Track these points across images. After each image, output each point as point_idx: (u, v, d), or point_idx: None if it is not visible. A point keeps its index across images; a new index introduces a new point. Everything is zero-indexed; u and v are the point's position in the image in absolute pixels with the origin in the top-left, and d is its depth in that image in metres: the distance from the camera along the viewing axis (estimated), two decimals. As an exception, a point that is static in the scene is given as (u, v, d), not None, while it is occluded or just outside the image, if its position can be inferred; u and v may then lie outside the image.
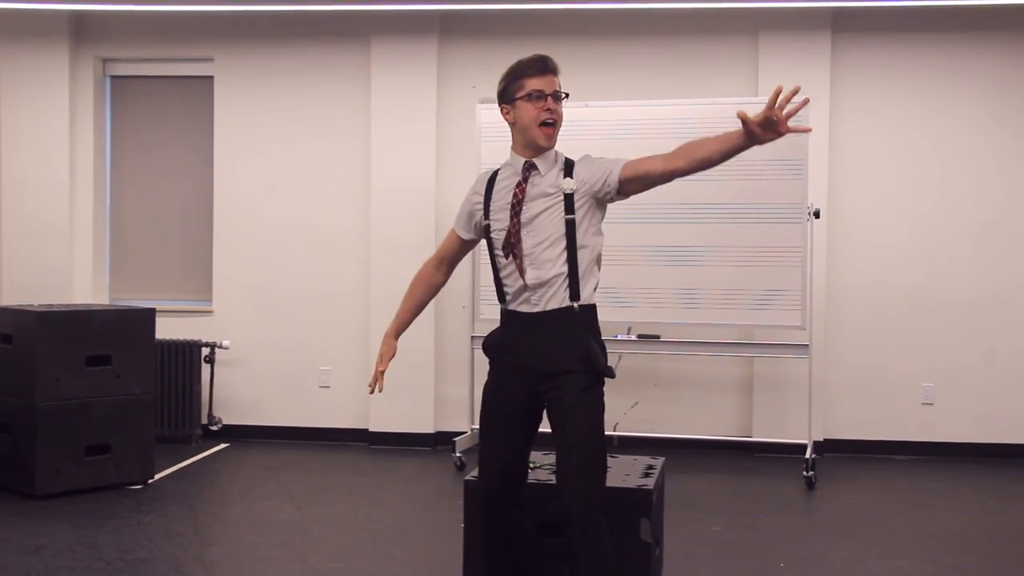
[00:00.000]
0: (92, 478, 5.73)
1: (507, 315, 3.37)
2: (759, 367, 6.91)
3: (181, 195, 7.65)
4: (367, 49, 7.24)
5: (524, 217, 3.28)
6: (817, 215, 6.30)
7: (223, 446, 7.13)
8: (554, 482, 3.73)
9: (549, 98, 3.26)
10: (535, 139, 3.28)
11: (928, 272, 6.93)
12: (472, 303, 6.72)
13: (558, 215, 3.26)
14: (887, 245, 6.95)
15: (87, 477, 5.71)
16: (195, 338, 7.24)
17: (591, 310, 3.32)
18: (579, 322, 3.27)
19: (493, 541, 3.42)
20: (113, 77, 7.65)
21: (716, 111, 6.38)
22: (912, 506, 5.75)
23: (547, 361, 3.24)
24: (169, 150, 7.66)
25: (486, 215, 3.37)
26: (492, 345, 3.42)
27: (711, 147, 3.12)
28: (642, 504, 3.68)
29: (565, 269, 3.25)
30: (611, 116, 6.48)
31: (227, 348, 7.28)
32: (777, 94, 2.98)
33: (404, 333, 3.64)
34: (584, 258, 3.27)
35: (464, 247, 3.54)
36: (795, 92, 3.02)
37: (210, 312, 7.42)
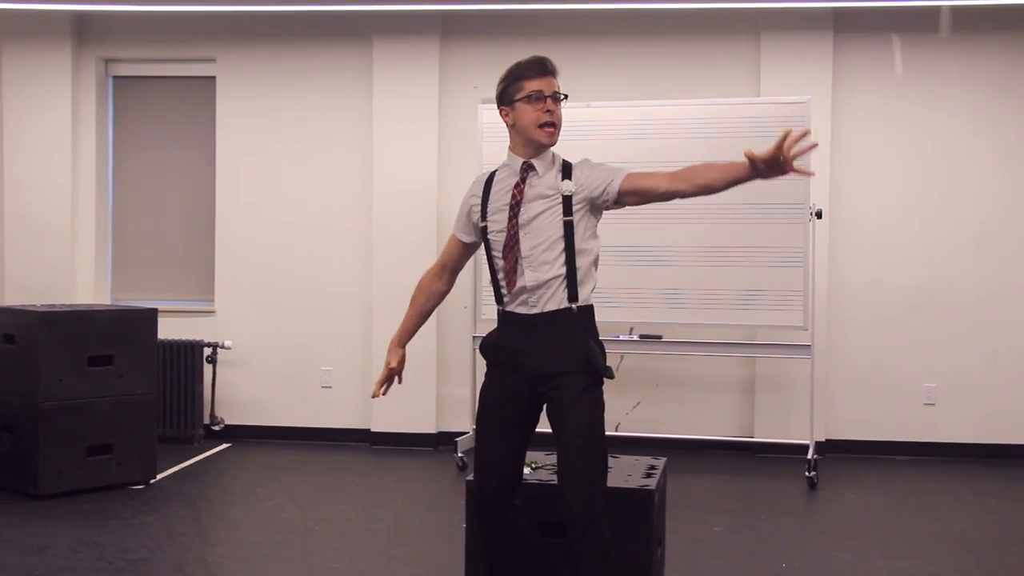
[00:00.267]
0: (94, 478, 5.73)
1: (505, 316, 3.36)
2: (761, 367, 6.91)
3: (183, 195, 7.65)
4: (369, 49, 7.24)
5: (522, 219, 3.28)
6: (819, 215, 6.30)
7: (225, 446, 7.14)
8: (555, 482, 3.74)
9: (548, 99, 3.26)
10: (537, 139, 3.27)
11: (930, 272, 6.93)
12: (474, 304, 6.72)
13: (556, 217, 3.26)
14: (889, 245, 6.95)
15: (89, 477, 5.72)
16: (197, 338, 7.25)
17: (589, 311, 3.32)
18: (577, 323, 3.27)
19: (491, 542, 3.42)
20: (115, 77, 7.66)
21: (718, 111, 6.40)
22: (914, 507, 5.74)
23: (546, 362, 3.24)
24: (171, 150, 7.66)
25: (483, 216, 3.36)
26: (490, 347, 3.41)
27: (715, 175, 3.15)
28: (644, 504, 3.68)
29: (563, 271, 3.25)
30: (612, 116, 6.48)
31: (229, 348, 7.29)
32: (786, 136, 2.98)
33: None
34: (582, 260, 3.28)
35: (466, 251, 3.52)
36: (804, 135, 3.02)
37: (212, 312, 7.43)
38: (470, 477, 3.97)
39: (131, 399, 5.88)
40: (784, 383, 6.85)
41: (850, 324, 6.96)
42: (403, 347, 3.58)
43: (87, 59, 7.47)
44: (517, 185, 3.30)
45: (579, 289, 3.27)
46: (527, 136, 3.29)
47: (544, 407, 3.32)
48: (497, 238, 3.32)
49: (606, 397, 3.28)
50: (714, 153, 6.27)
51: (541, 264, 3.25)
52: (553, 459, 4.05)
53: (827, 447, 6.86)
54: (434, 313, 7.37)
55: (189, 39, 7.43)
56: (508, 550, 3.41)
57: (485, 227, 3.36)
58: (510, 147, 3.38)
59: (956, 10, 6.83)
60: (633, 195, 3.27)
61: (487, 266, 3.42)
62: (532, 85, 3.26)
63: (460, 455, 6.56)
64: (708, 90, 6.84)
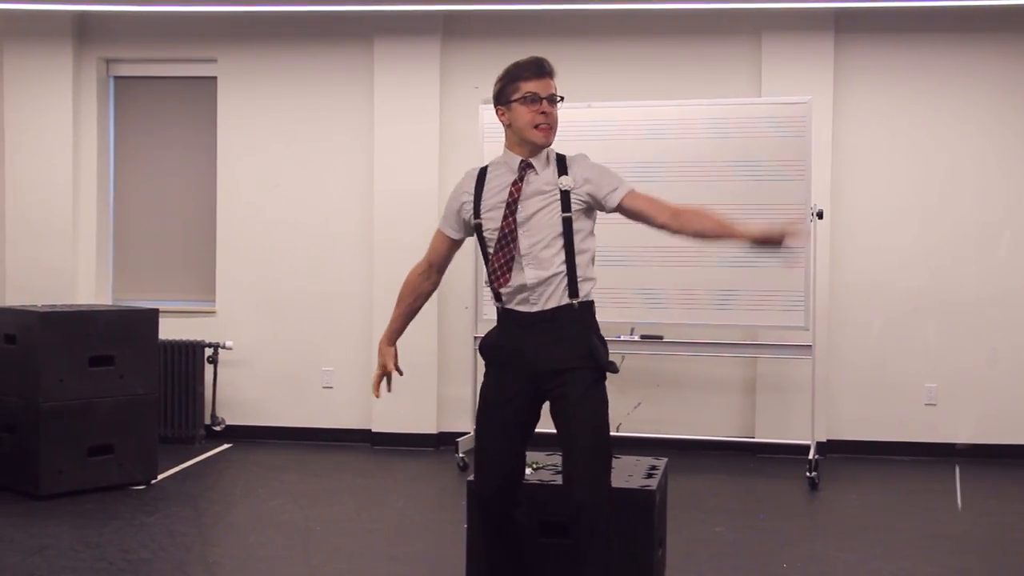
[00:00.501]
0: (95, 478, 5.73)
1: (505, 314, 3.36)
2: (762, 367, 6.91)
3: (184, 196, 7.66)
4: (370, 50, 7.24)
5: (520, 216, 3.27)
6: (820, 216, 6.30)
7: (226, 446, 7.14)
8: (557, 482, 3.74)
9: (544, 102, 3.27)
10: (531, 139, 3.29)
11: (931, 273, 6.92)
12: (475, 304, 6.71)
13: (555, 213, 3.26)
14: (890, 246, 6.95)
15: (90, 477, 5.72)
16: (198, 338, 7.25)
17: (590, 307, 3.32)
18: (579, 319, 3.28)
19: (492, 542, 3.41)
20: (117, 78, 7.66)
21: (719, 111, 6.40)
22: (915, 507, 5.74)
23: (549, 359, 3.24)
24: (172, 151, 7.67)
25: (476, 213, 3.36)
26: (490, 346, 3.41)
27: (711, 226, 3.19)
28: (645, 505, 3.68)
29: (563, 268, 3.26)
30: (613, 117, 6.48)
31: (230, 348, 7.29)
32: (785, 230, 3.08)
33: (406, 334, 3.64)
34: (581, 257, 3.28)
35: (453, 247, 3.52)
36: (800, 223, 3.12)
37: (213, 312, 7.43)
38: (471, 477, 3.97)
39: (132, 399, 5.88)
40: (785, 383, 6.85)
41: (851, 324, 6.96)
42: (394, 345, 3.55)
43: (88, 59, 7.47)
44: (515, 183, 3.31)
45: (579, 285, 3.27)
46: (522, 136, 3.31)
47: (545, 405, 3.32)
48: (492, 235, 3.32)
49: (608, 396, 3.28)
50: (714, 153, 6.32)
51: (541, 261, 3.25)
52: (554, 459, 4.05)
53: (828, 447, 6.86)
54: (435, 314, 7.45)
55: (190, 39, 7.43)
56: (510, 549, 3.40)
57: (479, 224, 3.35)
58: (506, 145, 3.39)
59: (959, 11, 6.82)
60: (629, 213, 3.29)
61: (485, 263, 3.42)
62: (528, 87, 3.27)
63: (461, 455, 6.56)
64: (709, 90, 6.84)
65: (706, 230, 3.19)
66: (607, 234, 3.76)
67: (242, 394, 7.37)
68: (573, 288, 3.26)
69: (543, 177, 3.30)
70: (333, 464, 6.68)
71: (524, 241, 3.27)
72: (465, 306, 6.92)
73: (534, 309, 3.27)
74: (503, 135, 3.33)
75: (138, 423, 5.89)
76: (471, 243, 3.68)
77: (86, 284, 7.48)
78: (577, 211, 3.28)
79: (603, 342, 3.30)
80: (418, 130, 7.14)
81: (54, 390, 5.61)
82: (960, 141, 6.92)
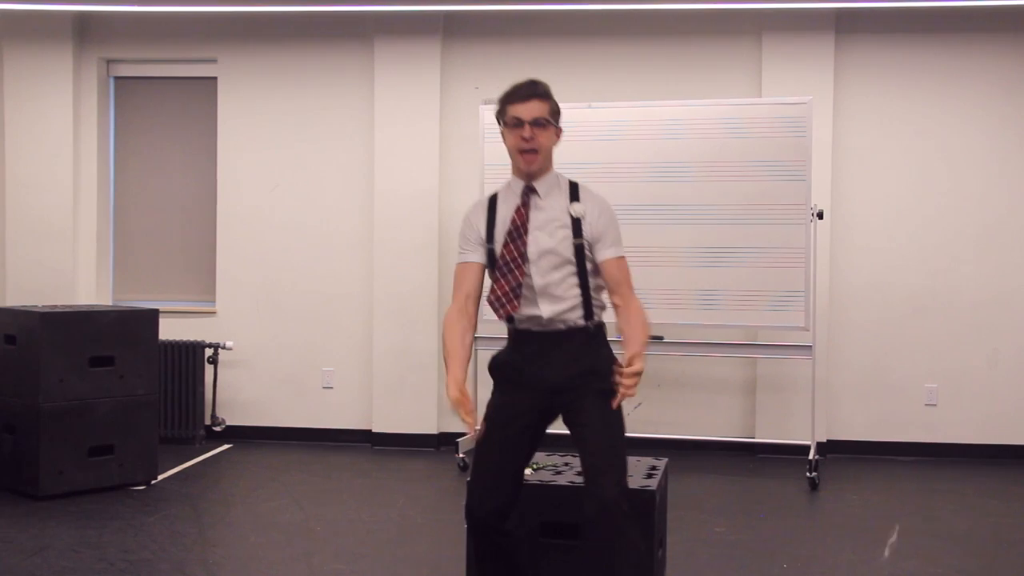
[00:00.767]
0: (95, 479, 5.74)
1: (517, 334, 3.32)
2: (762, 368, 6.91)
3: (185, 196, 7.66)
4: (370, 50, 7.24)
5: (532, 250, 3.23)
6: (820, 216, 6.30)
7: (226, 447, 7.14)
8: (557, 483, 3.74)
9: (527, 126, 3.22)
10: (517, 164, 3.27)
11: (931, 273, 6.93)
12: (475, 304, 6.71)
13: (567, 242, 3.23)
14: (890, 246, 6.95)
15: (90, 478, 5.72)
16: (198, 339, 7.25)
17: (602, 327, 3.31)
18: (593, 339, 3.27)
19: (484, 554, 3.35)
20: (117, 78, 7.66)
21: (719, 112, 6.39)
22: (916, 507, 5.74)
23: (564, 375, 3.22)
24: (173, 151, 7.67)
25: (490, 238, 3.30)
26: (501, 365, 3.35)
27: (623, 337, 3.17)
28: (645, 505, 3.68)
29: (579, 299, 3.24)
30: (613, 117, 6.48)
31: (230, 349, 7.29)
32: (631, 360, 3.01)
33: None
34: (593, 281, 3.27)
35: (483, 273, 3.34)
36: (637, 373, 2.98)
37: (213, 313, 7.43)
38: (471, 478, 3.97)
39: (132, 400, 5.88)
40: (785, 384, 6.85)
41: (851, 325, 6.96)
42: (464, 391, 3.10)
43: (88, 60, 7.47)
44: (518, 209, 3.27)
45: (593, 310, 3.27)
46: (513, 160, 3.30)
47: (555, 419, 3.28)
48: (506, 264, 3.26)
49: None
50: (714, 153, 6.32)
51: (556, 298, 3.23)
52: (553, 459, 4.06)
53: (828, 448, 6.86)
54: (436, 314, 7.43)
55: (190, 40, 7.43)
56: (502, 562, 3.34)
57: (492, 250, 3.29)
58: (512, 169, 3.35)
59: (960, 11, 6.83)
60: (601, 272, 3.27)
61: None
62: (513, 111, 3.24)
63: (461, 456, 6.56)
64: (709, 91, 6.85)
65: (622, 333, 3.19)
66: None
67: (242, 394, 7.37)
68: (588, 312, 3.26)
69: (554, 203, 3.27)
70: (333, 464, 6.68)
71: (538, 278, 3.22)
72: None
73: (548, 330, 3.25)
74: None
75: (138, 423, 5.89)
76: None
77: (86, 284, 7.48)
78: (587, 240, 3.25)
79: (614, 360, 3.24)
80: (418, 130, 7.14)
81: (54, 390, 5.61)
82: (960, 141, 6.92)
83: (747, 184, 6.27)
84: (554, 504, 3.70)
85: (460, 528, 4.05)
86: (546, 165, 3.30)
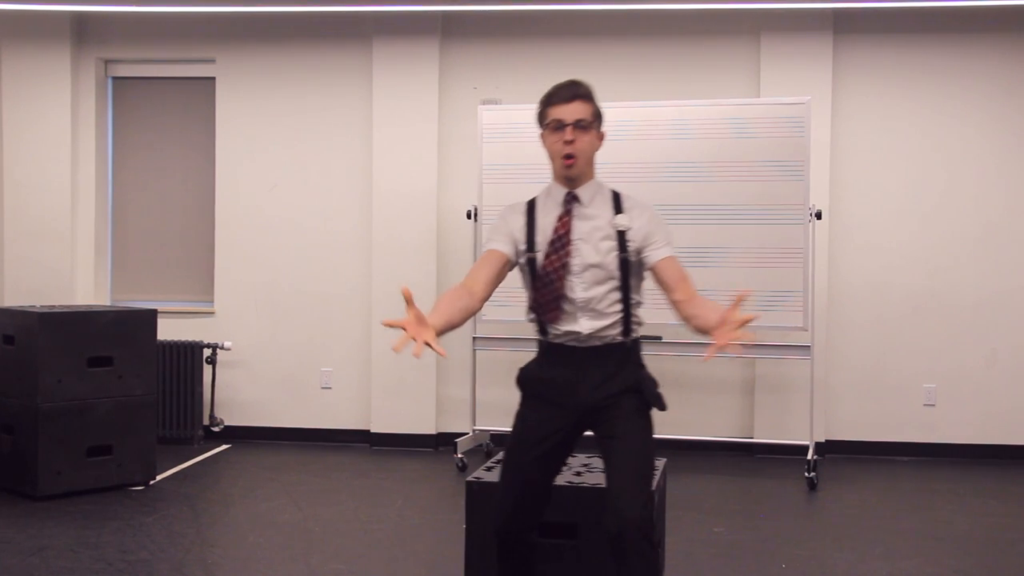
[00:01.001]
0: (94, 479, 5.73)
1: (549, 348, 3.20)
2: (761, 368, 6.91)
3: (183, 196, 7.65)
4: (369, 50, 7.24)
5: (576, 263, 3.11)
6: (819, 216, 6.30)
7: (225, 447, 7.14)
8: (556, 483, 3.73)
9: (569, 128, 3.11)
10: (557, 169, 3.15)
11: (930, 273, 6.93)
12: (474, 304, 6.70)
13: (612, 255, 3.12)
14: (889, 246, 6.95)
15: (89, 478, 5.72)
16: (197, 339, 7.24)
17: (638, 343, 3.22)
18: (629, 356, 3.18)
19: (506, 562, 3.28)
20: (115, 78, 7.66)
21: (717, 112, 6.40)
22: (914, 507, 5.74)
23: (597, 393, 3.12)
24: (171, 151, 7.67)
25: (531, 247, 3.16)
26: (533, 379, 3.25)
27: (698, 325, 3.02)
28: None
29: (620, 315, 3.14)
30: (612, 117, 6.35)
31: (229, 349, 7.29)
32: (742, 299, 2.89)
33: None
34: (635, 296, 3.18)
35: (503, 266, 3.17)
36: (749, 320, 2.89)
37: (212, 313, 7.43)
38: (470, 478, 3.97)
39: (131, 400, 5.87)
40: (784, 384, 6.85)
41: (850, 325, 6.96)
42: (429, 324, 2.86)
43: (87, 60, 7.47)
44: (561, 217, 3.14)
45: (632, 327, 3.17)
46: (553, 166, 3.17)
47: (584, 432, 3.20)
48: (547, 275, 3.13)
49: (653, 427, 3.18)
50: (713, 154, 6.32)
51: (598, 313, 3.12)
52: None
53: (827, 448, 6.86)
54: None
55: (189, 40, 7.43)
56: (523, 567, 3.30)
57: (532, 259, 3.16)
58: (552, 176, 3.23)
59: (958, 11, 6.83)
60: (656, 276, 3.14)
61: (531, 299, 3.22)
62: (553, 113, 3.13)
63: (460, 456, 6.56)
64: (708, 91, 6.85)
65: (694, 319, 3.02)
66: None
67: (241, 395, 7.37)
68: (626, 329, 3.16)
69: (597, 213, 3.15)
70: (332, 464, 6.68)
71: (580, 292, 3.11)
72: (464, 307, 6.92)
73: (583, 345, 3.14)
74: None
75: (137, 424, 5.89)
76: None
77: (85, 285, 7.48)
78: (632, 253, 3.13)
79: (652, 378, 3.18)
80: (416, 130, 7.14)
81: (53, 391, 5.60)
82: (959, 141, 6.92)
83: (745, 184, 6.27)
84: (554, 504, 3.69)
85: (458, 528, 4.05)
86: (588, 171, 3.18)
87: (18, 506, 5.47)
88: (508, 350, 6.78)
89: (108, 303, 7.55)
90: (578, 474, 3.94)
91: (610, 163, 6.48)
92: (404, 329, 2.80)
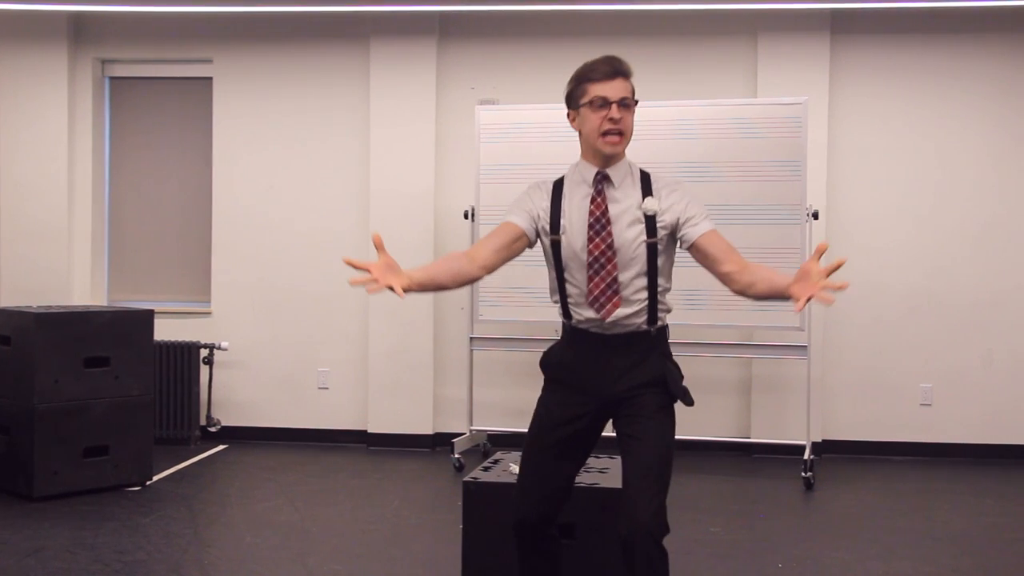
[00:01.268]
0: (90, 480, 5.73)
1: (574, 333, 3.11)
2: (758, 368, 6.91)
3: (180, 196, 7.65)
4: (366, 50, 7.24)
5: (618, 242, 3.00)
6: (816, 216, 6.31)
7: (222, 447, 7.13)
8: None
9: (614, 106, 3.02)
10: (598, 148, 3.04)
11: (927, 273, 6.94)
12: (471, 305, 6.71)
13: (640, 239, 3.03)
14: (886, 246, 6.96)
15: (85, 479, 5.71)
16: (194, 339, 7.24)
17: (664, 331, 3.12)
18: (655, 345, 3.09)
19: (528, 559, 3.23)
20: (112, 78, 7.65)
21: (715, 112, 6.40)
22: (911, 507, 5.75)
23: (621, 383, 3.05)
24: (168, 151, 7.66)
25: (555, 229, 3.06)
26: (556, 364, 3.16)
27: (764, 289, 2.93)
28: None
29: (645, 303, 3.05)
30: (610, 117, 6.46)
31: (226, 349, 7.28)
32: (822, 251, 2.79)
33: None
34: (662, 283, 3.08)
35: (516, 240, 3.07)
36: (840, 264, 2.78)
37: (208, 313, 7.42)
38: (467, 478, 3.97)
39: (127, 400, 5.87)
40: (781, 383, 6.85)
41: (847, 325, 6.97)
42: (400, 271, 2.95)
43: (83, 60, 7.46)
44: (594, 199, 3.05)
45: (658, 315, 3.07)
46: (591, 144, 3.06)
47: (609, 423, 3.13)
48: (577, 257, 3.04)
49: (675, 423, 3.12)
50: (710, 154, 6.32)
51: (627, 301, 3.03)
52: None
53: (823, 447, 6.87)
54: (431, 315, 7.42)
55: (186, 40, 7.42)
56: (548, 563, 3.24)
57: (556, 241, 3.06)
58: (581, 155, 3.13)
59: (956, 12, 6.84)
60: (700, 252, 3.04)
61: (555, 280, 3.16)
62: (596, 89, 3.03)
63: (457, 456, 6.56)
64: (705, 91, 6.85)
65: (757, 294, 2.94)
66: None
67: (238, 395, 7.37)
68: (652, 317, 3.06)
69: (627, 196, 3.06)
70: (329, 465, 6.68)
71: (622, 274, 3.02)
72: (461, 307, 6.93)
73: (608, 332, 3.06)
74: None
75: (133, 424, 5.88)
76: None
77: (81, 285, 7.47)
78: (661, 239, 3.04)
79: (678, 369, 3.11)
80: (414, 131, 7.14)
81: (49, 391, 5.60)
82: (956, 142, 6.93)
83: (743, 184, 6.27)
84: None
85: (456, 528, 4.05)
86: (623, 151, 3.09)
87: (14, 507, 5.47)
88: (505, 350, 6.79)
89: (105, 303, 7.55)
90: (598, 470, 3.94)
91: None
92: (368, 271, 2.83)
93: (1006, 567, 4.70)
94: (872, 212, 6.98)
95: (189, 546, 4.81)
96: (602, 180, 3.07)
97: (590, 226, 3.03)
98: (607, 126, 3.02)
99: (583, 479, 3.82)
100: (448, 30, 7.21)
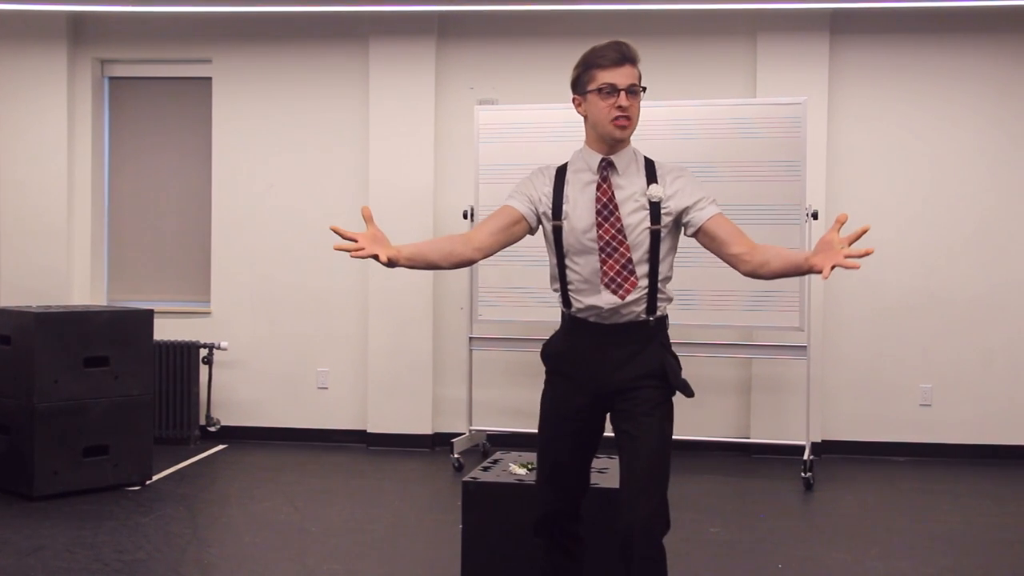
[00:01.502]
0: (90, 479, 5.73)
1: (573, 322, 3.10)
2: (757, 368, 6.92)
3: (179, 196, 7.65)
4: (365, 50, 7.24)
5: (628, 228, 2.98)
6: (815, 216, 6.31)
7: (221, 447, 7.13)
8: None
9: (623, 93, 2.98)
10: (608, 133, 3.01)
11: (926, 273, 6.94)
12: (470, 305, 6.71)
13: (643, 225, 3.01)
14: (885, 246, 6.94)
15: (85, 478, 5.71)
16: (193, 339, 7.24)
17: (663, 321, 3.10)
18: (654, 335, 3.06)
19: (554, 561, 3.22)
20: (111, 78, 7.65)
21: (714, 112, 6.40)
22: (910, 507, 5.75)
23: (619, 375, 3.03)
24: (167, 151, 7.66)
25: (557, 214, 3.05)
26: (555, 354, 3.16)
27: (779, 266, 2.93)
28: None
29: (645, 291, 3.02)
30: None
31: (225, 349, 7.28)
32: (842, 222, 2.80)
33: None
34: (664, 275, 3.06)
35: (514, 225, 3.08)
36: (863, 232, 2.81)
37: (208, 313, 7.42)
38: (466, 478, 3.97)
39: (127, 400, 5.87)
40: (780, 384, 6.86)
41: (846, 325, 6.97)
42: (392, 248, 3.02)
43: (83, 60, 7.46)
44: (600, 185, 3.03)
45: (657, 304, 3.05)
46: (599, 130, 3.04)
47: (610, 416, 3.12)
48: (585, 243, 3.02)
49: (674, 416, 3.11)
50: (709, 154, 6.32)
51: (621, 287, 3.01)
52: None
53: (823, 448, 6.87)
54: (431, 314, 7.42)
55: (185, 40, 7.42)
56: (571, 564, 3.23)
57: (559, 227, 3.05)
58: (585, 141, 3.11)
59: (954, 12, 6.84)
60: (707, 236, 3.02)
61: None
62: (605, 76, 2.98)
63: (456, 456, 6.56)
64: (704, 91, 6.85)
65: (768, 274, 2.94)
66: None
67: (237, 395, 7.37)
68: (651, 306, 3.03)
69: (631, 182, 3.04)
70: (328, 465, 6.68)
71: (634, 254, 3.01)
72: (460, 307, 6.93)
73: (606, 322, 3.04)
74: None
75: (133, 424, 5.88)
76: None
77: (81, 285, 7.47)
78: (665, 225, 3.02)
79: (677, 360, 3.08)
80: (413, 131, 7.14)
81: (49, 391, 5.60)
82: (954, 141, 6.93)
83: (742, 184, 6.27)
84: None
85: (455, 528, 4.05)
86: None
87: (14, 506, 5.47)
88: (504, 350, 6.79)
89: (104, 303, 7.55)
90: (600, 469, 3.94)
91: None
92: (355, 241, 2.88)
93: (1006, 567, 4.70)
94: (871, 211, 6.97)
95: (189, 546, 4.81)
96: (607, 167, 3.06)
97: (598, 212, 3.01)
98: (616, 114, 3.00)
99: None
100: (447, 30, 7.21)
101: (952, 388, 6.92)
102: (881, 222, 6.96)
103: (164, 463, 6.45)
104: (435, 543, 4.91)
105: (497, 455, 4.36)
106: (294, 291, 7.33)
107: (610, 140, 3.04)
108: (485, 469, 4.10)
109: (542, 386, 3.24)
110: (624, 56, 3.01)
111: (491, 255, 3.12)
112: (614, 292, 3.01)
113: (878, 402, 6.96)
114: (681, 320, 6.39)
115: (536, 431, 3.24)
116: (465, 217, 6.71)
